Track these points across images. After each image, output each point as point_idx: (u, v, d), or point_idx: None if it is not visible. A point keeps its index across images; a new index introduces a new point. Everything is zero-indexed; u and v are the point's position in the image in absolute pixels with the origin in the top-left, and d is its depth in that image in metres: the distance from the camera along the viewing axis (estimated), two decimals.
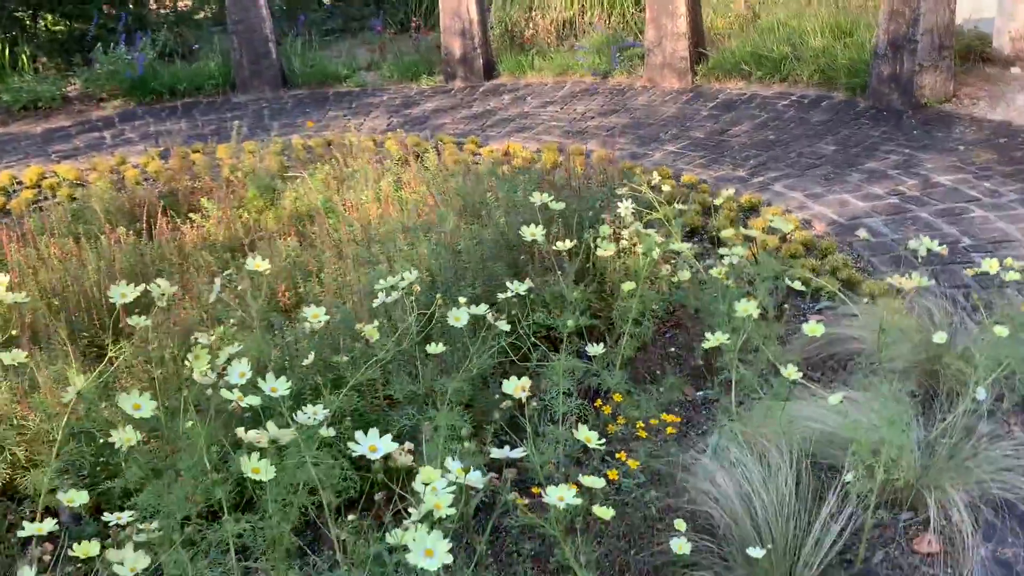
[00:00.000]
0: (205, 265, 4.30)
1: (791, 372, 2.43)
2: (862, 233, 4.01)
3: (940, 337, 2.75)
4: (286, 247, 4.29)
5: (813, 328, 2.65)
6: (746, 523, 2.19)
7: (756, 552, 2.04)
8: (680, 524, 2.09)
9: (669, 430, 2.67)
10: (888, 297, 3.78)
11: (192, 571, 1.83)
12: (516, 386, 2.04)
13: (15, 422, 2.45)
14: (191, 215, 5.20)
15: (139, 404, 2.00)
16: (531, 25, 10.54)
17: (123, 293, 2.28)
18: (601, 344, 2.75)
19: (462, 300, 2.64)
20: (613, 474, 2.38)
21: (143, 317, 2.41)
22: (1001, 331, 2.60)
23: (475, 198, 4.62)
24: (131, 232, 4.66)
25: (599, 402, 2.86)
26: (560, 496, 1.76)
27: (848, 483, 2.27)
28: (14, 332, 2.84)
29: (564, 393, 2.54)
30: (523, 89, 9.08)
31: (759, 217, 5.02)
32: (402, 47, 10.62)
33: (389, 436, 1.88)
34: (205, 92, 9.50)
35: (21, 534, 1.63)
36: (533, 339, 2.84)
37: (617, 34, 9.80)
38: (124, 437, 2.00)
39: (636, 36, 9.72)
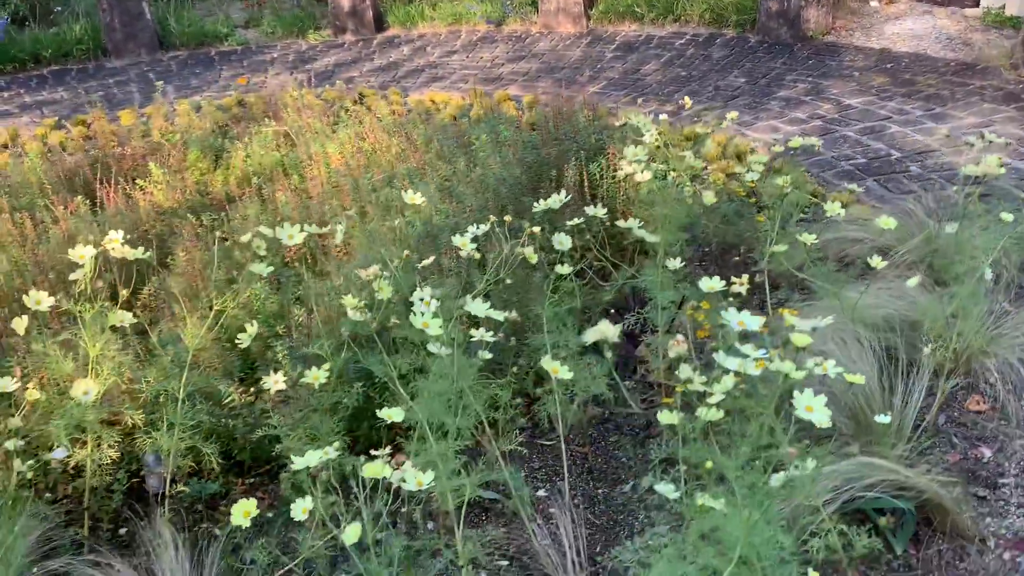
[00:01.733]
0: (191, 225, 4.14)
1: (877, 262, 2.65)
2: (814, 140, 4.39)
3: (951, 228, 3.14)
4: (282, 198, 4.19)
5: (832, 208, 2.94)
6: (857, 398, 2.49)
7: (883, 419, 2.33)
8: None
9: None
10: (859, 204, 4.19)
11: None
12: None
13: (126, 387, 2.36)
14: (138, 181, 4.94)
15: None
16: None
17: (290, 235, 2.24)
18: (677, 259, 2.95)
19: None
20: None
21: (263, 264, 2.37)
22: (1007, 217, 3.01)
23: (451, 142, 4.67)
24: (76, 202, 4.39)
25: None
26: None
27: (927, 354, 2.61)
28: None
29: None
30: (419, 40, 9.02)
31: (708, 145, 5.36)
32: (280, 2, 10.21)
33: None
34: (74, 58, 8.80)
35: (296, 466, 1.62)
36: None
37: None
38: (314, 375, 2.02)
39: None
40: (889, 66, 6.82)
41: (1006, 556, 2.20)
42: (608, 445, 2.85)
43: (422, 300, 2.04)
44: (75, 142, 5.76)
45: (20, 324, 2.07)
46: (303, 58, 8.66)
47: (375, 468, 1.62)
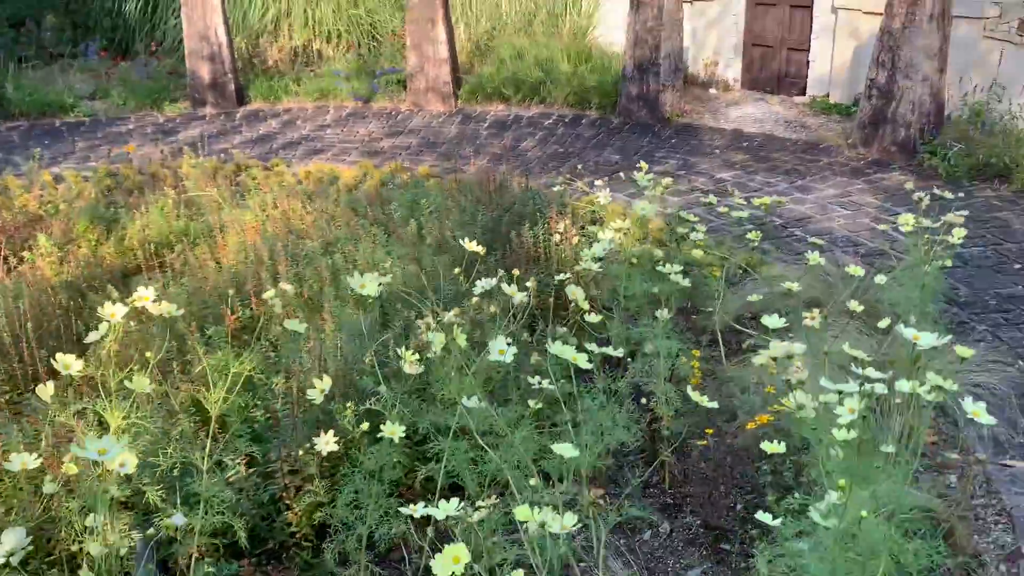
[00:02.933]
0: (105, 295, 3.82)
1: (814, 314, 2.92)
2: (781, 199, 4.75)
3: (881, 279, 3.50)
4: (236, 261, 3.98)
5: (768, 270, 3.24)
6: None
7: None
8: None
9: None
10: (768, 266, 4.55)
11: None
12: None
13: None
14: (24, 254, 4.53)
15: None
16: (272, 51, 10.33)
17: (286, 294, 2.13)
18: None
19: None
20: None
21: (296, 322, 2.24)
22: (880, 279, 3.42)
23: (373, 210, 4.65)
24: None
25: None
26: None
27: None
28: None
29: None
30: (285, 114, 8.90)
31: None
32: (128, 74, 9.75)
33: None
34: None
35: None
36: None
37: (366, 60, 9.99)
38: (391, 430, 1.93)
39: (383, 62, 9.98)
40: (745, 144, 7.50)
41: (1002, 568, 2.43)
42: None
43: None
44: None
45: (45, 391, 1.83)
46: (164, 130, 8.30)
47: (523, 512, 1.58)
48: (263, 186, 5.47)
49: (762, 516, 1.79)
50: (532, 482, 2.06)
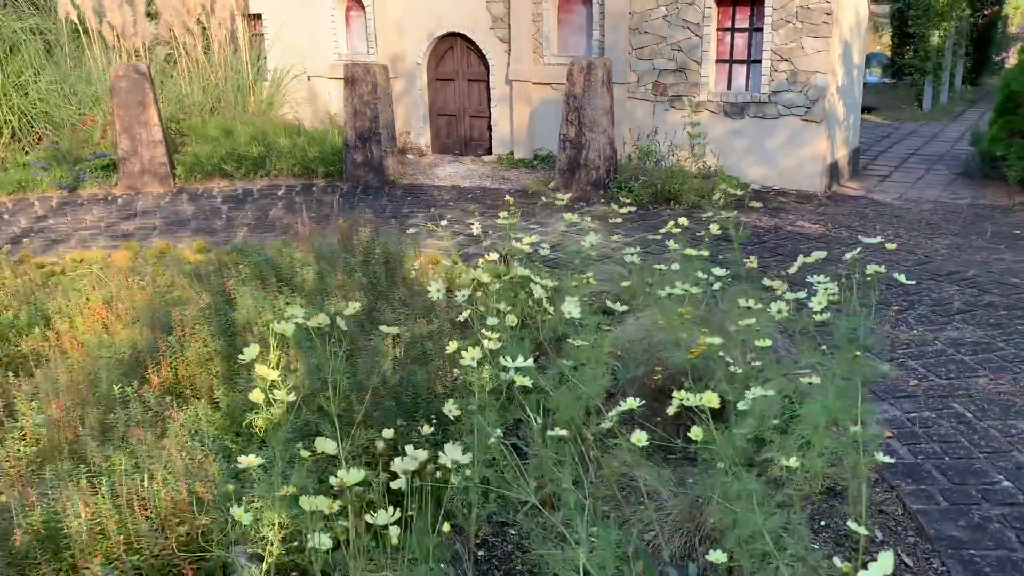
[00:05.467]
0: None
1: None
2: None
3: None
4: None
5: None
6: None
7: None
8: None
9: None
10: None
11: None
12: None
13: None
14: None
15: None
16: None
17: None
18: None
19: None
20: None
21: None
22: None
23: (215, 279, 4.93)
24: None
25: None
26: None
27: None
28: None
29: None
30: None
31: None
32: None
33: None
34: None
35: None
36: None
37: (59, 149, 9.49)
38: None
39: (80, 150, 9.57)
40: (470, 196, 8.70)
41: None
42: None
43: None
44: None
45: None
46: None
47: None
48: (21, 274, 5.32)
49: None
50: None
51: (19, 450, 3.27)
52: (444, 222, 5.77)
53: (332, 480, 1.85)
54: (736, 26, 8.87)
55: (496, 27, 10.15)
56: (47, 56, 10.83)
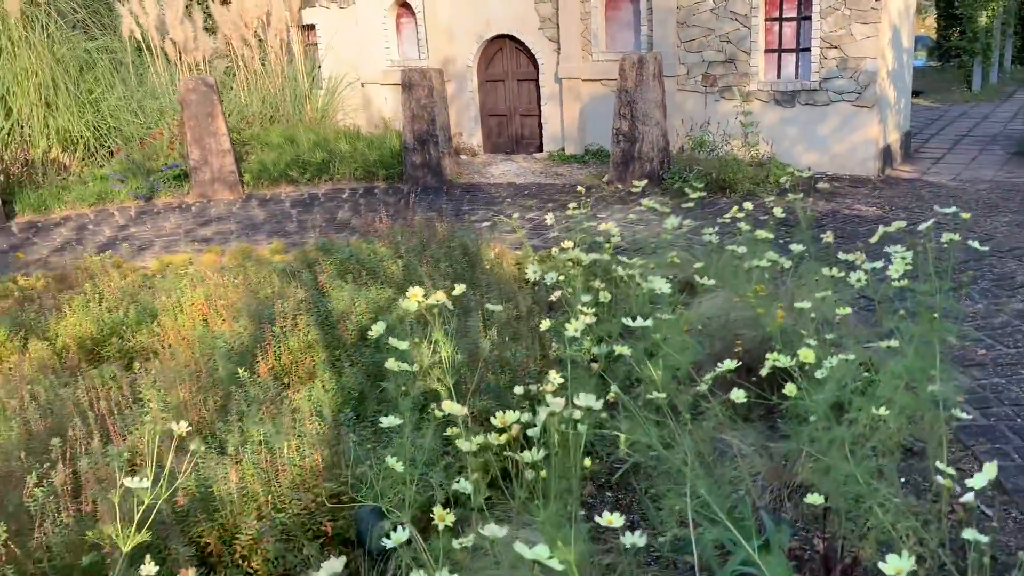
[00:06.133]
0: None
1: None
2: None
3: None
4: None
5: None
6: None
7: None
8: None
9: None
10: None
11: None
12: None
13: None
14: None
15: None
16: (25, 162, 9.86)
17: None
18: None
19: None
20: None
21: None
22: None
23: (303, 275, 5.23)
24: None
25: None
26: None
27: None
28: None
29: None
30: (69, 221, 8.67)
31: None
32: None
33: None
34: None
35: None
36: None
37: (134, 161, 9.95)
38: None
39: (152, 161, 10.02)
40: (526, 192, 8.95)
41: None
42: None
43: None
44: None
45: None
46: None
47: None
48: (121, 276, 5.68)
49: None
50: None
51: (152, 431, 3.59)
52: (516, 214, 6.02)
53: (495, 419, 2.11)
54: (784, 15, 9.00)
55: (544, 27, 10.39)
56: (115, 73, 11.33)
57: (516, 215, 6.26)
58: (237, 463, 2.94)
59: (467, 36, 11.00)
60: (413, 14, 11.44)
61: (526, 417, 2.12)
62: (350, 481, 2.97)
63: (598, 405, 2.08)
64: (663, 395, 2.82)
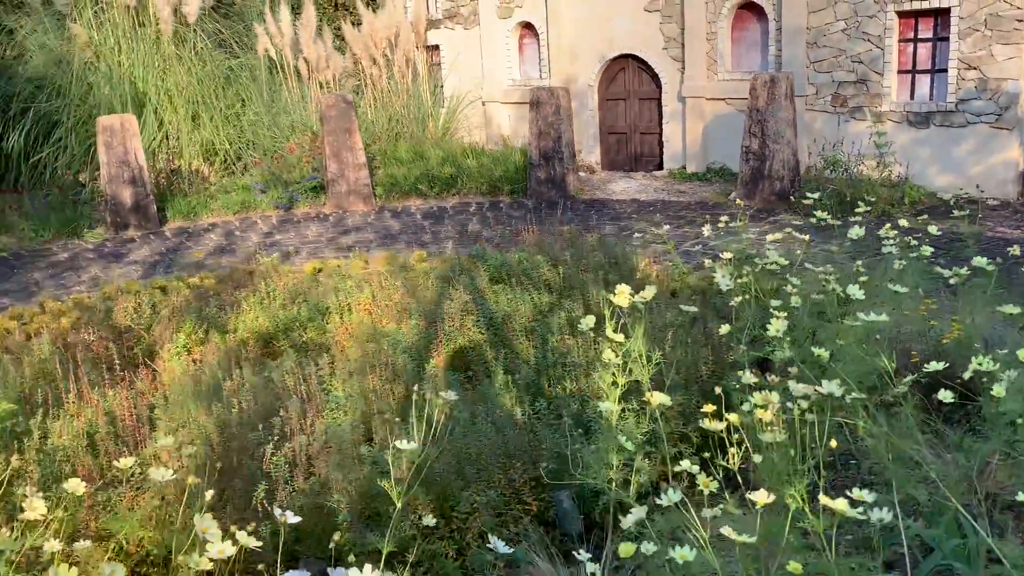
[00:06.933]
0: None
1: None
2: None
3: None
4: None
5: None
6: None
7: None
8: None
9: None
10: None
11: None
12: None
13: None
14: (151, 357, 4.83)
15: None
16: (171, 171, 10.54)
17: None
18: None
19: None
20: None
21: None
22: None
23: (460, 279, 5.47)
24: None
25: None
26: None
27: None
28: None
29: None
30: (216, 228, 9.21)
31: None
32: (24, 207, 9.52)
33: None
34: None
35: None
36: None
37: (273, 172, 10.50)
38: None
39: (288, 173, 10.55)
40: (651, 208, 9.07)
41: None
42: None
43: None
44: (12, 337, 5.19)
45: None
46: (111, 253, 8.32)
47: None
48: (283, 280, 6.02)
49: None
50: None
51: (335, 419, 3.85)
52: (666, 227, 6.18)
53: (754, 398, 2.24)
54: (919, 36, 8.89)
55: (669, 47, 10.51)
56: (251, 89, 11.98)
57: (667, 227, 6.38)
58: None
59: (590, 56, 11.22)
60: (536, 35, 11.74)
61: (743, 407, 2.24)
62: (548, 466, 3.14)
63: (839, 392, 2.19)
64: (862, 395, 2.89)
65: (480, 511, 2.86)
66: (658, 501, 2.04)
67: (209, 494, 1.93)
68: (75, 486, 2.34)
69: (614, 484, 2.84)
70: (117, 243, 8.74)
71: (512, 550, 2.24)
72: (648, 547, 2.05)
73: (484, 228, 8.60)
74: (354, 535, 2.76)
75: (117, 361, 4.45)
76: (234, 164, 11.37)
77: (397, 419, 3.57)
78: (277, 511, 1.78)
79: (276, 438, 3.17)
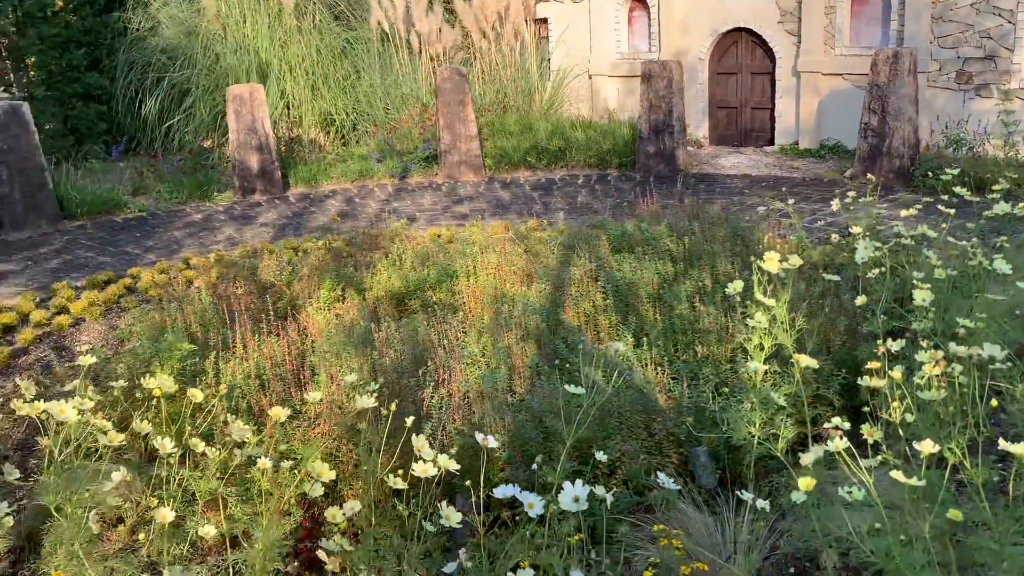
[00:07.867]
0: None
1: None
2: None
3: None
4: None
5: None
6: None
7: None
8: None
9: None
10: None
11: None
12: None
13: None
14: (301, 312, 5.16)
15: None
16: (291, 140, 11.02)
17: None
18: None
19: None
20: None
21: None
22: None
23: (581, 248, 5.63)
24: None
25: None
26: None
27: None
28: None
29: None
30: (336, 195, 9.61)
31: None
32: (158, 170, 10.14)
33: None
34: None
35: None
36: None
37: (388, 143, 10.86)
38: None
39: (402, 144, 10.89)
40: (763, 184, 9.01)
41: None
42: None
43: None
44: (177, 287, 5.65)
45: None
46: (241, 215, 8.81)
47: None
48: (414, 244, 6.27)
49: None
50: None
51: (487, 371, 4.08)
52: (791, 200, 6.19)
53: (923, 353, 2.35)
54: None
55: (785, 21, 10.35)
56: (366, 61, 12.36)
57: (791, 200, 6.39)
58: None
59: (701, 29, 11.14)
60: (646, 8, 11.71)
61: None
62: (690, 421, 3.30)
63: (1000, 355, 2.27)
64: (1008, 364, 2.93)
65: (625, 459, 3.04)
66: (820, 450, 2.17)
67: (410, 420, 2.16)
68: (277, 413, 2.63)
69: (756, 440, 2.98)
70: (245, 206, 9.23)
71: (678, 487, 2.41)
72: (800, 493, 2.20)
73: (593, 200, 8.72)
74: (509, 472, 2.98)
75: (267, 313, 4.80)
76: (349, 134, 11.78)
77: (537, 373, 3.78)
78: (479, 435, 1.99)
79: (432, 384, 3.42)
